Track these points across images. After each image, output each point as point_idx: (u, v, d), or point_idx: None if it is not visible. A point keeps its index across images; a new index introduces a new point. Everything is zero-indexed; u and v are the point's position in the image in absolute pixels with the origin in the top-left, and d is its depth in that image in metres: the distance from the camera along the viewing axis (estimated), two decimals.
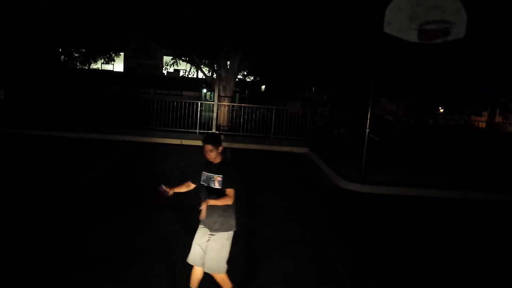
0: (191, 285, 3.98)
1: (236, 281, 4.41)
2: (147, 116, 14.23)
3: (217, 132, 13.14)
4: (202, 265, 3.84)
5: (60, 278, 4.31)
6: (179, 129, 14.25)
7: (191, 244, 3.89)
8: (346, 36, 12.02)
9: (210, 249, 3.80)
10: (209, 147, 3.71)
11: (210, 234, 3.81)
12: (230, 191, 3.68)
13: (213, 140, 3.74)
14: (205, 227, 3.85)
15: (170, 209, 6.59)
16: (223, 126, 15.57)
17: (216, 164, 3.79)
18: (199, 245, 3.84)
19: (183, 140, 13.07)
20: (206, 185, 3.78)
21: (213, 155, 3.73)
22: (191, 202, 6.93)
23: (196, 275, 3.93)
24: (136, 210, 6.45)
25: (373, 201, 8.29)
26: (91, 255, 4.86)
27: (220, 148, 3.77)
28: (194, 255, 3.86)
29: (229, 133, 14.48)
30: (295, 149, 13.15)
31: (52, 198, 6.86)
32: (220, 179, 3.72)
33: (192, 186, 4.00)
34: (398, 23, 8.12)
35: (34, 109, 14.64)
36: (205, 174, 3.80)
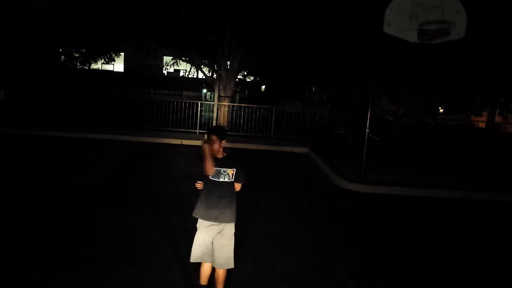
0: (201, 282, 3.99)
1: (236, 281, 4.42)
2: (147, 116, 14.24)
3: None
4: (211, 261, 3.88)
5: (60, 278, 4.31)
6: (179, 129, 14.26)
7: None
8: (346, 36, 12.02)
9: (220, 246, 3.81)
10: (213, 137, 3.75)
11: (217, 228, 3.79)
12: (238, 186, 3.90)
13: (218, 131, 3.83)
14: (210, 220, 3.80)
15: (170, 209, 6.61)
16: (223, 126, 15.58)
17: (222, 158, 3.81)
18: (205, 243, 3.83)
19: (183, 140, 13.08)
20: (216, 179, 3.78)
21: (217, 147, 3.75)
22: (190, 202, 6.97)
23: (205, 271, 3.97)
24: (136, 210, 6.46)
25: (373, 201, 8.30)
26: (91, 255, 4.86)
27: (224, 141, 3.80)
28: (202, 253, 3.84)
29: (229, 133, 14.47)
30: (295, 149, 13.15)
31: (52, 198, 6.86)
32: (233, 172, 3.79)
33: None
34: (398, 23, 8.12)
35: (34, 109, 14.65)
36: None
